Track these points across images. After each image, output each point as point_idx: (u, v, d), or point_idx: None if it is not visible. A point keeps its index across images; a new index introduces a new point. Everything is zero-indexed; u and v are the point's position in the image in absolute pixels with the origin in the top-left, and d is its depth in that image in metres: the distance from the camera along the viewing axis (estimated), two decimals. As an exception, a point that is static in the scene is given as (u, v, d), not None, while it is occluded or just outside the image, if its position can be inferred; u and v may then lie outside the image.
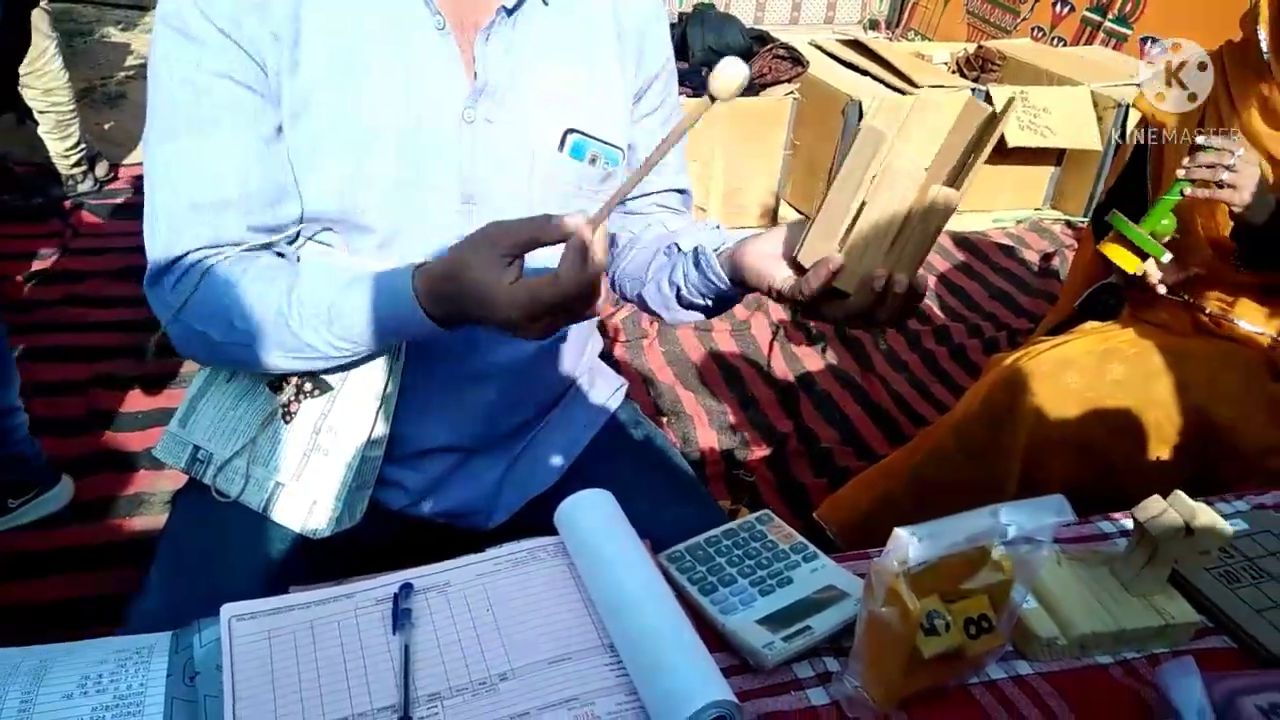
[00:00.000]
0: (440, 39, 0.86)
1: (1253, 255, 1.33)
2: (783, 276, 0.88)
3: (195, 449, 0.92)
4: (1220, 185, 1.25)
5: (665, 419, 2.20)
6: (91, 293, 2.52)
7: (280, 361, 0.84)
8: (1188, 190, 1.29)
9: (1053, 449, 1.39)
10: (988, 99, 3.15)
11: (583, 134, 0.93)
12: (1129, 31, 4.22)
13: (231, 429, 0.91)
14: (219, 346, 0.84)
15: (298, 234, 0.88)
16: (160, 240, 0.84)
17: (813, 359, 2.52)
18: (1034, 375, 1.39)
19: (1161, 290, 1.42)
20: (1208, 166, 1.26)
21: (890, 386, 2.42)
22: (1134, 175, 1.55)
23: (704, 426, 2.19)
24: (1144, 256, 1.35)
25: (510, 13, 0.87)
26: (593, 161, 0.94)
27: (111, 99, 3.99)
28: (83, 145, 3.03)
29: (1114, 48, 4.19)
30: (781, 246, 0.89)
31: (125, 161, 3.32)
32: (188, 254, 0.84)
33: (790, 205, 3.37)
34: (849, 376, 2.45)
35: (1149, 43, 4.07)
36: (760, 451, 2.14)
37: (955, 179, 0.79)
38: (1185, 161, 1.30)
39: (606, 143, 0.95)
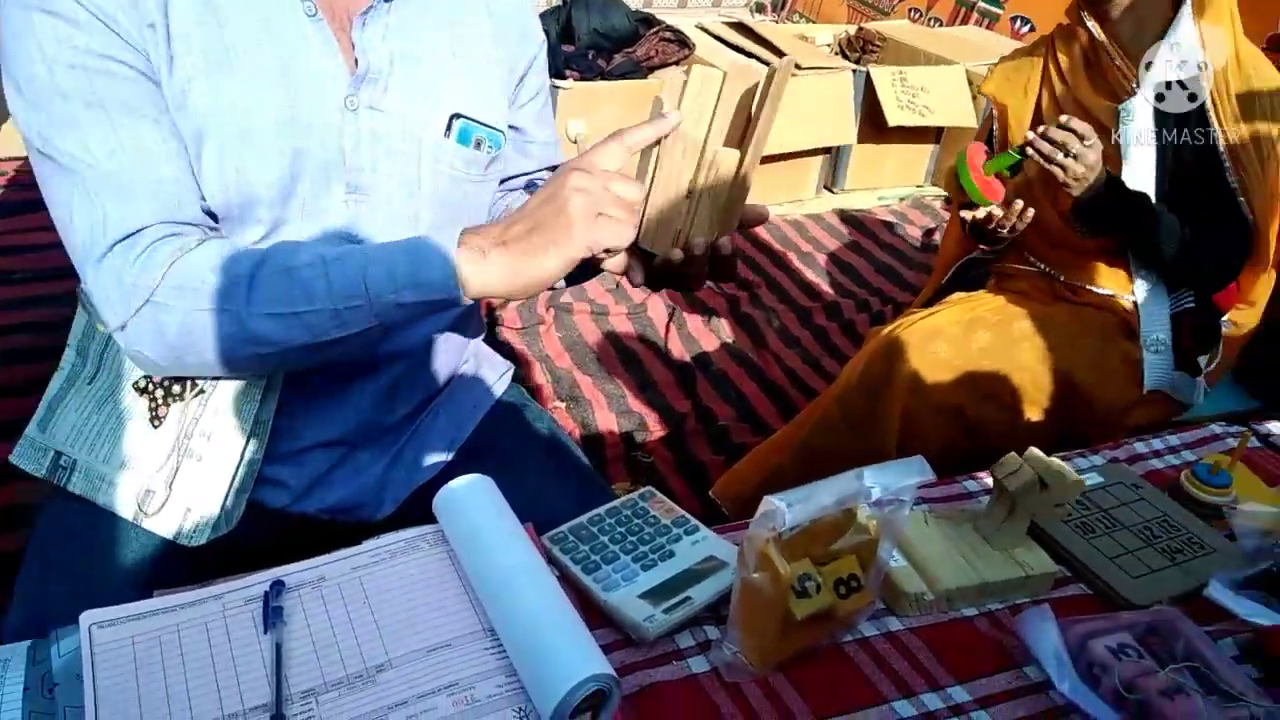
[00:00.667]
0: (313, 26, 0.83)
1: (1089, 222, 1.41)
2: None
3: (57, 455, 0.88)
4: (1054, 162, 1.33)
5: (564, 404, 2.20)
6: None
7: (262, 324, 0.76)
8: (1025, 150, 1.36)
9: (927, 415, 1.44)
10: (868, 80, 3.23)
11: (468, 119, 0.92)
12: (1000, 11, 4.39)
13: (96, 433, 0.87)
14: (198, 317, 0.76)
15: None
16: (111, 214, 0.76)
17: (709, 338, 2.55)
18: (907, 345, 1.45)
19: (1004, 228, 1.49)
20: (1055, 142, 1.33)
21: (783, 362, 2.47)
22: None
23: (603, 410, 2.20)
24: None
25: None
26: (478, 146, 0.93)
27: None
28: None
29: (987, 27, 4.36)
30: None
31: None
32: (145, 228, 0.77)
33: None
34: (744, 354, 2.49)
35: (1019, 22, 4.25)
36: (659, 432, 2.16)
37: (741, 141, 0.81)
38: (1040, 130, 1.36)
39: (491, 126, 0.94)
